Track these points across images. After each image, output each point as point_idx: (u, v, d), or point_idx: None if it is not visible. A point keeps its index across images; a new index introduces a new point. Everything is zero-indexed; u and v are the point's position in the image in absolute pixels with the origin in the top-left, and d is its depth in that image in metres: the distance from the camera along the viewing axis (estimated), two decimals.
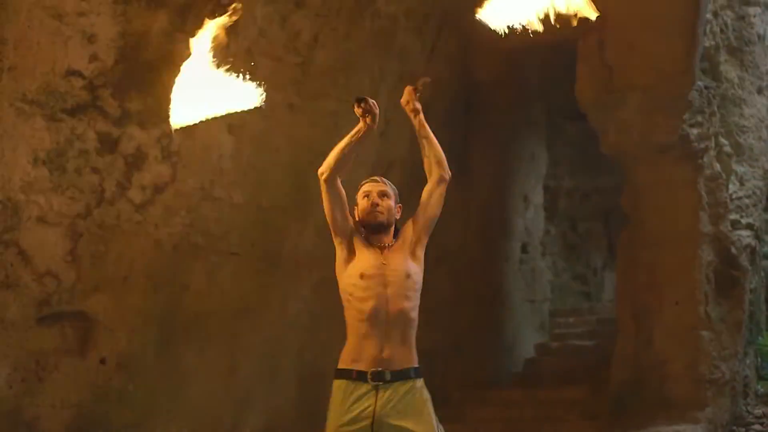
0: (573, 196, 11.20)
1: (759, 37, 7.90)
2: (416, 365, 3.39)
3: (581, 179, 11.13)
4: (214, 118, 5.52)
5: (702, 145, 6.72)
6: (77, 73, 4.79)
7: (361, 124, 3.49)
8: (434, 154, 3.55)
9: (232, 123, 5.62)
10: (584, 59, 6.87)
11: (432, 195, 3.51)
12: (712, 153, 6.94)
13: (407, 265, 3.42)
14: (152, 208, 5.26)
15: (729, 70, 7.46)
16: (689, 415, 6.35)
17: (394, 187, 3.61)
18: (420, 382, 3.38)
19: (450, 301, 7.77)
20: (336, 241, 3.52)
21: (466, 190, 8.05)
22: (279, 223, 6.08)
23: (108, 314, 5.15)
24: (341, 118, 6.42)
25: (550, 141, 10.35)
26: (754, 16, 7.79)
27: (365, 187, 3.56)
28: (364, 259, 3.43)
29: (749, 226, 7.41)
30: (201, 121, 5.44)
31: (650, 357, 6.62)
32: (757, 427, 6.83)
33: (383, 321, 3.33)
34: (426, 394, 3.39)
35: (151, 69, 5.10)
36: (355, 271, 3.42)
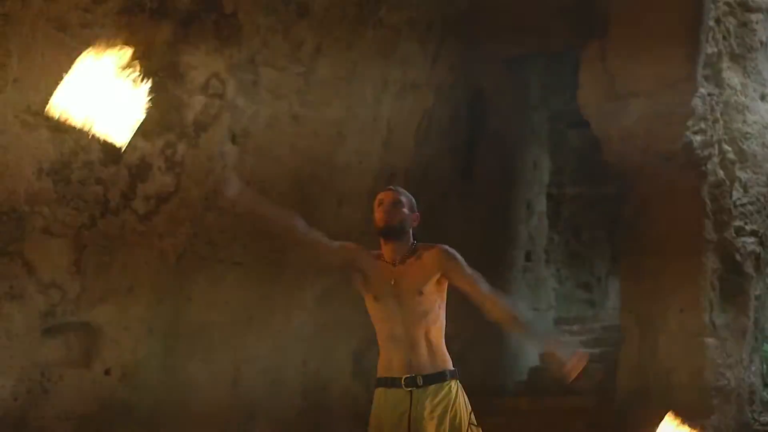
0: (576, 203, 11.20)
1: (761, 43, 7.90)
2: (450, 367, 3.45)
3: (584, 187, 11.13)
4: (218, 128, 5.55)
5: (705, 152, 6.71)
6: None
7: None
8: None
9: (235, 133, 5.64)
10: (586, 66, 6.87)
11: (471, 297, 3.55)
12: (716, 160, 6.93)
13: (418, 282, 3.44)
14: (156, 219, 5.27)
15: (732, 76, 7.45)
16: (695, 423, 6.32)
17: (410, 195, 3.61)
18: (455, 383, 3.43)
19: (454, 310, 7.75)
20: (344, 270, 3.59)
21: (469, 199, 8.05)
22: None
23: (113, 325, 5.16)
24: (345, 128, 6.44)
25: (552, 149, 10.35)
26: (757, 23, 7.79)
27: (379, 196, 3.58)
28: (375, 280, 3.48)
29: (754, 233, 7.39)
30: (205, 131, 5.47)
31: (655, 365, 6.61)
32: None
33: (404, 338, 3.41)
34: (460, 396, 3.43)
35: (154, 80, 5.11)
36: (370, 293, 3.49)
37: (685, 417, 6.34)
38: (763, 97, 7.75)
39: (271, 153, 5.88)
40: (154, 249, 5.32)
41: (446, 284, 3.52)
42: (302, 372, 6.39)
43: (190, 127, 5.36)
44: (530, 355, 9.15)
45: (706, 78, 7.00)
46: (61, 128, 4.76)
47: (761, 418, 7.08)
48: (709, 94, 6.84)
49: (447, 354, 3.47)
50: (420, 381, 3.37)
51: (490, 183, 8.54)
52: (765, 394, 7.53)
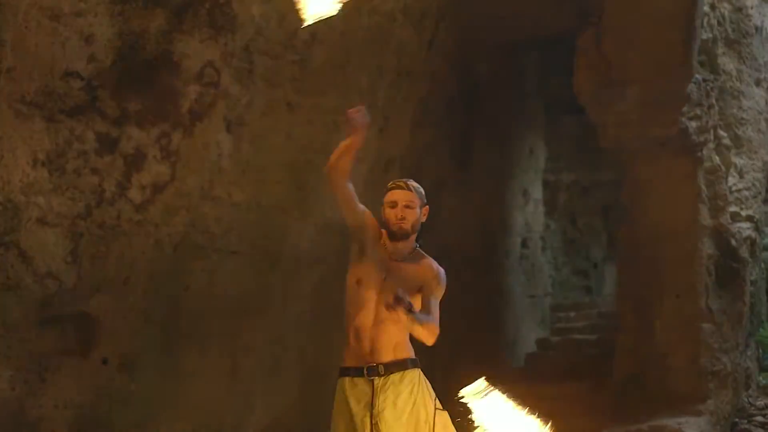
0: (572, 190, 11.21)
1: (756, 28, 7.91)
2: (412, 356, 3.47)
3: (581, 173, 11.15)
4: (213, 117, 5.54)
5: (701, 138, 6.73)
6: (75, 74, 4.78)
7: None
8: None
9: (231, 121, 5.63)
10: (582, 53, 6.87)
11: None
12: (711, 146, 6.95)
13: (407, 285, 3.43)
14: (152, 208, 5.26)
15: (727, 62, 7.46)
16: (691, 407, 6.36)
17: (420, 188, 3.60)
18: (417, 372, 3.47)
19: (450, 298, 7.76)
20: (350, 232, 3.57)
21: (466, 186, 8.06)
22: (279, 222, 6.08)
23: (109, 315, 5.15)
24: (340, 115, 6.42)
25: (548, 135, 10.36)
26: (752, 8, 7.80)
27: (392, 195, 3.57)
28: (368, 265, 3.48)
29: (749, 218, 7.42)
30: (200, 120, 5.46)
31: (651, 350, 6.64)
32: (759, 418, 6.85)
33: (370, 328, 3.44)
34: (423, 383, 3.46)
35: (149, 69, 5.10)
36: (356, 274, 3.48)
37: (681, 401, 6.37)
38: (758, 83, 7.76)
39: (267, 141, 5.87)
40: (151, 238, 5.31)
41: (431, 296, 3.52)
42: (300, 361, 6.40)
43: (185, 116, 5.34)
44: (527, 341, 9.18)
45: (702, 64, 7.01)
46: (54, 118, 4.75)
47: (757, 403, 7.11)
48: (704, 80, 6.84)
49: (409, 344, 3.48)
50: (382, 370, 3.40)
51: (486, 170, 8.55)
52: (761, 378, 7.57)
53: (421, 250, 3.58)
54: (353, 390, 3.46)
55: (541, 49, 9.37)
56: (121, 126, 5.03)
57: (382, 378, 3.40)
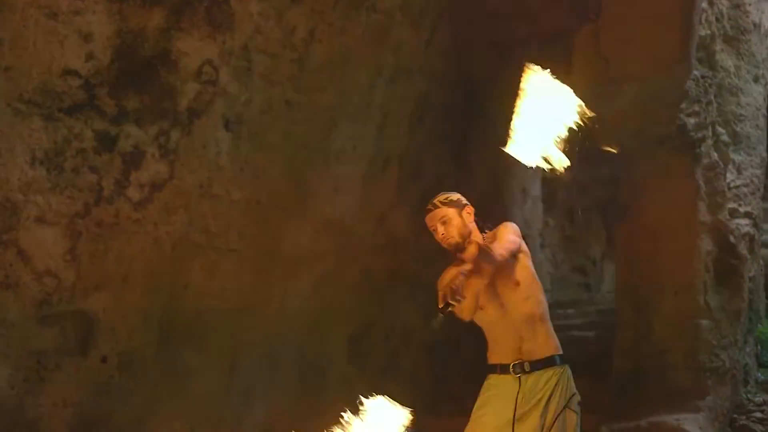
0: (571, 187, 11.21)
1: (755, 25, 7.89)
2: (557, 353, 3.53)
3: (579, 171, 11.13)
4: (211, 115, 5.54)
5: (699, 135, 6.72)
6: (74, 73, 4.79)
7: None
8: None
9: (229, 119, 5.63)
10: (580, 50, 6.86)
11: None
12: (710, 142, 6.94)
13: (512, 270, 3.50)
14: (151, 207, 5.27)
15: (725, 59, 7.45)
16: (690, 404, 6.35)
17: (450, 197, 3.63)
18: (561, 369, 3.52)
19: None
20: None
21: (464, 183, 8.05)
22: (278, 220, 6.08)
23: (108, 313, 5.16)
24: (338, 114, 6.42)
25: None
26: (750, 5, 7.78)
27: (428, 223, 3.62)
28: (476, 291, 3.50)
29: (747, 215, 7.41)
30: (198, 118, 5.47)
31: (650, 347, 6.63)
32: (757, 414, 6.84)
33: (509, 327, 3.53)
34: (564, 381, 3.50)
35: (147, 67, 5.11)
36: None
37: (680, 398, 6.39)
38: (756, 79, 7.75)
39: (265, 140, 5.87)
40: (149, 237, 5.32)
41: (525, 259, 3.54)
42: (298, 358, 6.41)
43: (184, 114, 5.35)
44: None
45: (700, 60, 7.00)
46: (53, 116, 4.76)
47: (755, 399, 7.11)
48: (703, 77, 6.83)
49: (554, 340, 3.56)
50: (527, 367, 3.49)
51: (485, 168, 8.54)
52: (759, 374, 7.57)
53: (493, 231, 3.60)
54: (497, 386, 3.56)
55: (540, 46, 9.36)
56: (119, 124, 5.04)
57: (528, 374, 3.50)
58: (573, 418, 3.42)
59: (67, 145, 4.83)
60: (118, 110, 5.00)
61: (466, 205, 3.61)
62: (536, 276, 3.57)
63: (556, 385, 3.44)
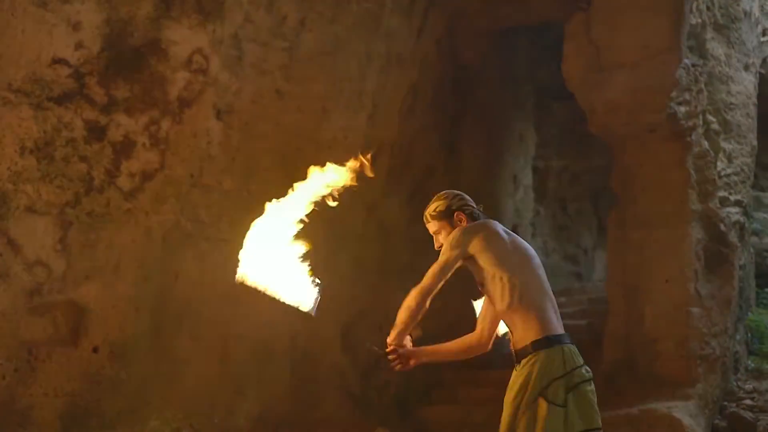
0: (562, 176, 11.23)
1: (745, 13, 7.91)
2: (534, 338, 3.55)
3: (570, 159, 11.16)
4: (202, 104, 5.52)
5: (690, 123, 6.73)
6: (63, 62, 4.76)
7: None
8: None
9: (220, 109, 5.61)
10: (571, 38, 6.86)
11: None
12: (700, 131, 6.95)
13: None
14: (141, 196, 5.25)
15: (716, 47, 7.47)
16: (680, 391, 6.38)
17: (438, 208, 3.67)
18: (534, 357, 3.56)
19: (444, 285, 7.77)
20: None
21: (455, 172, 8.06)
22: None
23: (99, 303, 5.14)
24: (329, 102, 6.41)
25: (538, 121, 10.36)
26: None
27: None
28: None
29: (738, 203, 7.44)
30: (189, 108, 5.44)
31: (641, 335, 6.65)
32: (747, 401, 6.88)
33: (503, 320, 3.70)
34: (537, 369, 3.53)
35: (137, 56, 5.08)
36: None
37: (670, 385, 6.41)
38: (746, 68, 7.77)
39: (256, 129, 5.86)
40: (140, 226, 5.30)
41: (478, 259, 3.56)
42: (291, 347, 6.40)
43: (174, 103, 5.32)
44: None
45: (690, 49, 7.01)
46: (42, 105, 4.73)
47: (745, 386, 7.15)
48: (693, 65, 6.84)
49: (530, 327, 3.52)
50: (515, 357, 3.59)
51: (476, 157, 8.54)
52: (749, 362, 7.61)
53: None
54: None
55: (531, 35, 9.36)
56: (109, 113, 5.01)
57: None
58: (543, 407, 3.32)
59: (57, 134, 4.81)
60: (108, 99, 4.98)
61: (456, 210, 3.61)
62: (499, 266, 3.50)
63: (528, 373, 3.43)
